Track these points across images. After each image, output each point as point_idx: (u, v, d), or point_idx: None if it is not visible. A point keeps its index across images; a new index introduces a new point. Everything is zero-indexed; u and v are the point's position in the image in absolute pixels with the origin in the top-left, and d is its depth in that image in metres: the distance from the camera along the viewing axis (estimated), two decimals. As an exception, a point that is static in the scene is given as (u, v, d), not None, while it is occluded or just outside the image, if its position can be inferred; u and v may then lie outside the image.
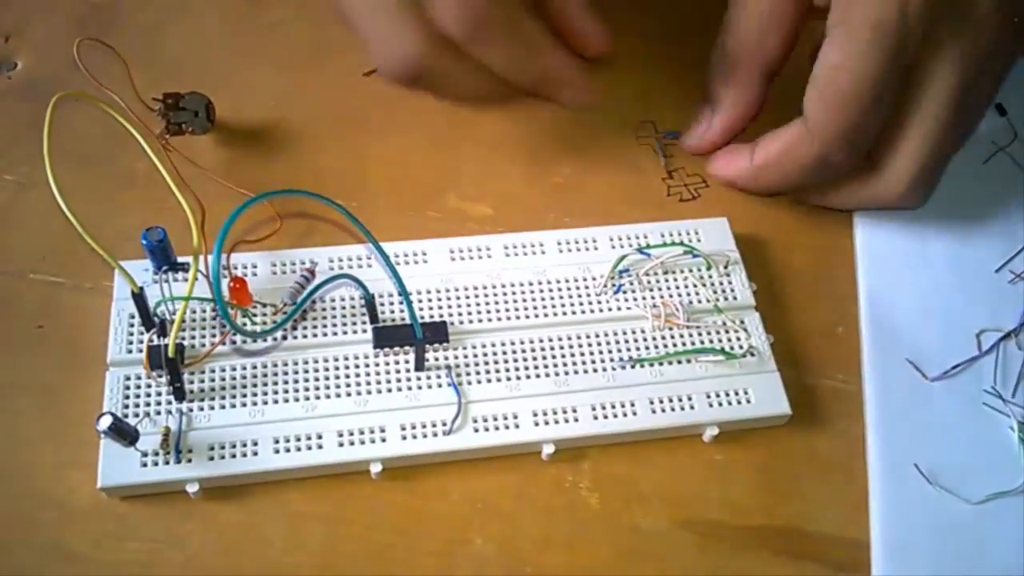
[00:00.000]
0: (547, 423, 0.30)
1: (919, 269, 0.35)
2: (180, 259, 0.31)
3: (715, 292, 0.34)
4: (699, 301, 0.33)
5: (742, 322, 0.33)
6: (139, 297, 0.30)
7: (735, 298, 0.34)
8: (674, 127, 0.38)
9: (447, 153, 0.38)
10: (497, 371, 0.31)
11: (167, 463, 0.29)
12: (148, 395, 0.30)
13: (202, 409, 0.30)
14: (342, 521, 0.29)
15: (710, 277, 0.34)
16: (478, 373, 0.31)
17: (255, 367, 0.31)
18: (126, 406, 0.30)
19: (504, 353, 0.32)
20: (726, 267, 0.34)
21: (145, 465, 0.29)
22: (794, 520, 0.30)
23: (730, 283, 0.34)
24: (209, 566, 0.28)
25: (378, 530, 0.29)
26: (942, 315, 0.34)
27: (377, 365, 0.31)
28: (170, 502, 0.29)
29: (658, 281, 0.34)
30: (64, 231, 0.26)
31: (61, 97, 0.27)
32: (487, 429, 0.30)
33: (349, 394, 0.30)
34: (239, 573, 0.28)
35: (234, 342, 0.31)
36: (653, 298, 0.33)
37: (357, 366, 0.31)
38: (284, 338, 0.31)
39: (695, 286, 0.34)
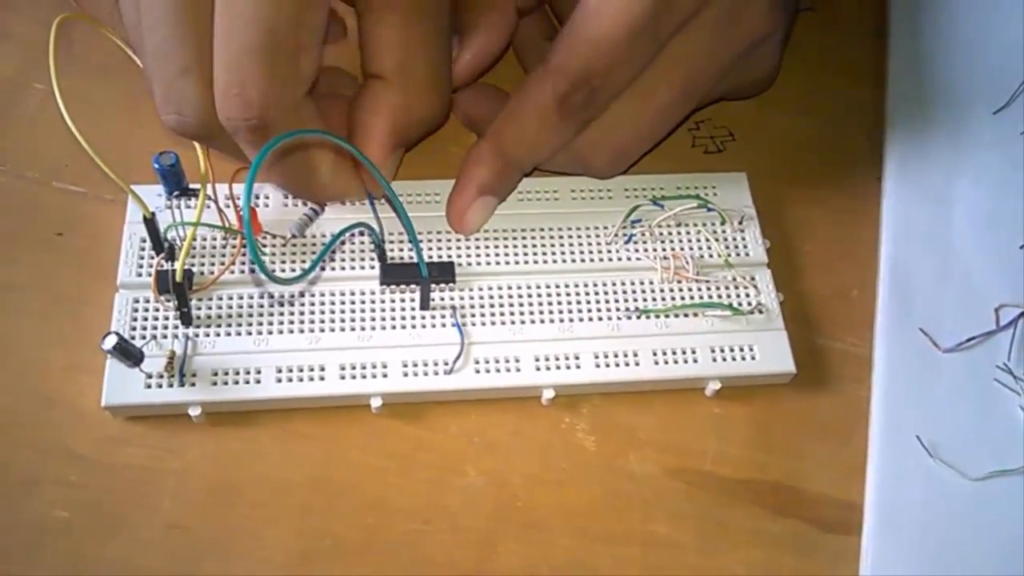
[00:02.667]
0: (548, 368, 0.30)
1: (944, 238, 0.34)
2: (194, 185, 0.31)
3: (727, 247, 0.33)
4: (710, 255, 0.33)
5: (753, 279, 0.33)
6: (150, 222, 0.30)
7: (747, 254, 0.33)
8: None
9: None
10: (502, 314, 0.31)
11: (171, 386, 0.29)
12: (156, 319, 0.30)
13: (208, 335, 0.30)
14: (339, 443, 0.30)
15: (723, 232, 0.33)
16: (483, 315, 0.31)
17: (262, 296, 0.31)
18: (133, 328, 0.30)
19: (510, 297, 0.32)
20: (741, 223, 0.34)
21: (149, 387, 0.29)
22: (787, 478, 0.30)
23: (744, 239, 0.33)
24: (205, 474, 0.29)
25: (374, 454, 0.30)
26: (962, 287, 0.33)
27: (383, 302, 0.31)
28: (172, 423, 0.29)
29: (670, 233, 0.33)
30: (91, 142, 0.26)
31: (64, 19, 0.27)
32: (488, 371, 0.30)
33: (353, 328, 0.31)
34: (234, 483, 0.29)
35: (242, 271, 0.31)
36: (664, 250, 0.33)
37: (363, 301, 0.31)
38: (293, 270, 0.32)
39: (707, 240, 0.33)
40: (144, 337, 0.30)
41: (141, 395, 0.29)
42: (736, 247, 0.33)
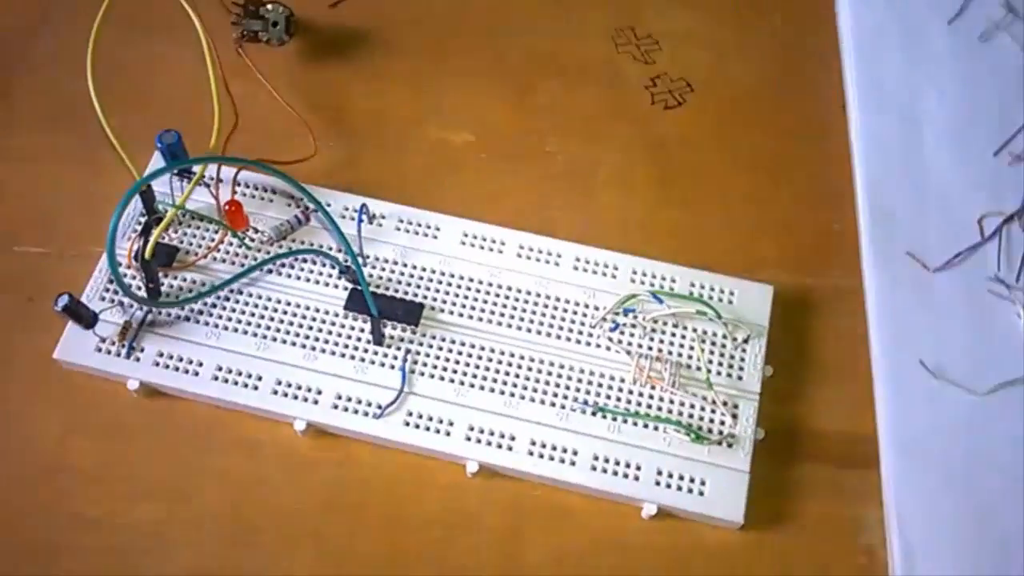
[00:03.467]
0: (479, 442, 0.29)
1: (917, 157, 0.34)
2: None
3: (720, 364, 0.30)
4: (697, 368, 0.30)
5: (735, 407, 0.29)
6: (145, 194, 0.31)
7: (739, 377, 0.30)
8: (656, 32, 0.38)
9: (427, 84, 0.36)
10: (454, 371, 0.30)
11: (119, 355, 0.30)
12: (128, 287, 0.31)
13: (169, 315, 0.30)
14: (347, 464, 0.30)
15: (721, 346, 0.30)
16: (434, 367, 0.30)
17: (231, 290, 0.31)
18: (107, 290, 0.31)
19: (468, 356, 0.30)
20: (745, 340, 0.30)
21: (99, 351, 0.30)
22: (797, 422, 0.30)
23: (742, 359, 0.30)
24: (217, 517, 0.29)
25: (386, 464, 0.30)
26: (942, 204, 0.33)
27: (342, 327, 0.30)
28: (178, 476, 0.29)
29: (663, 331, 0.30)
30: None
31: None
32: (418, 427, 0.29)
33: (304, 346, 0.30)
34: (248, 519, 0.29)
35: (223, 259, 0.31)
36: (646, 348, 0.30)
37: (323, 321, 0.30)
38: (270, 271, 0.31)
39: (699, 350, 0.30)
40: (113, 302, 0.31)
41: (90, 358, 0.30)
42: (729, 367, 0.30)
